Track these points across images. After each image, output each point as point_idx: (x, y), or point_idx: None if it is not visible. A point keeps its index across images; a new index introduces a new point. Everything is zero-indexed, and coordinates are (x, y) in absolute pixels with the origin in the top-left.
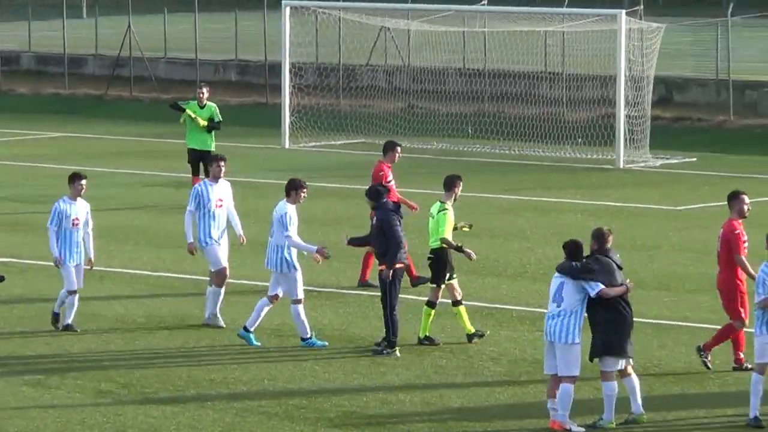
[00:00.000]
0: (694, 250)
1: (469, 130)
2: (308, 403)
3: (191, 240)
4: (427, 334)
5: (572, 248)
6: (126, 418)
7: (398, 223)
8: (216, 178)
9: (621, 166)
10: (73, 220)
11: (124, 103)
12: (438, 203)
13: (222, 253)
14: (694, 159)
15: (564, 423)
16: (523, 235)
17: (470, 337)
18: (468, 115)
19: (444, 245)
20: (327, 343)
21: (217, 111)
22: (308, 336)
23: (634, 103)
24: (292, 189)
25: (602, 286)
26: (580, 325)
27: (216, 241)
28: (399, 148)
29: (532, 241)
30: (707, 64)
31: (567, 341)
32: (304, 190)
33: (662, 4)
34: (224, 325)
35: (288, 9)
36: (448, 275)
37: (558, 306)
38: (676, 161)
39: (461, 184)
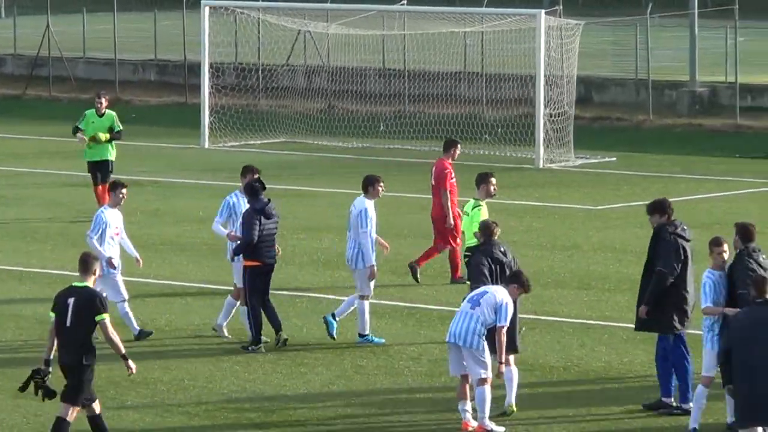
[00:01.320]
0: (614, 250)
1: (381, 126)
2: (229, 404)
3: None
4: None
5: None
6: (45, 419)
7: (257, 223)
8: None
9: (541, 166)
10: (114, 229)
11: (43, 103)
12: (472, 200)
13: None
14: (614, 158)
15: (485, 425)
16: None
17: None
18: (387, 115)
19: None
20: (384, 341)
21: (117, 119)
22: (366, 333)
23: (554, 103)
24: (369, 184)
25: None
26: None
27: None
28: (459, 146)
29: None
30: (627, 64)
31: (471, 345)
32: (381, 183)
33: (581, 3)
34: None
35: (207, 9)
36: None
37: (472, 308)
38: (595, 161)
39: (494, 180)
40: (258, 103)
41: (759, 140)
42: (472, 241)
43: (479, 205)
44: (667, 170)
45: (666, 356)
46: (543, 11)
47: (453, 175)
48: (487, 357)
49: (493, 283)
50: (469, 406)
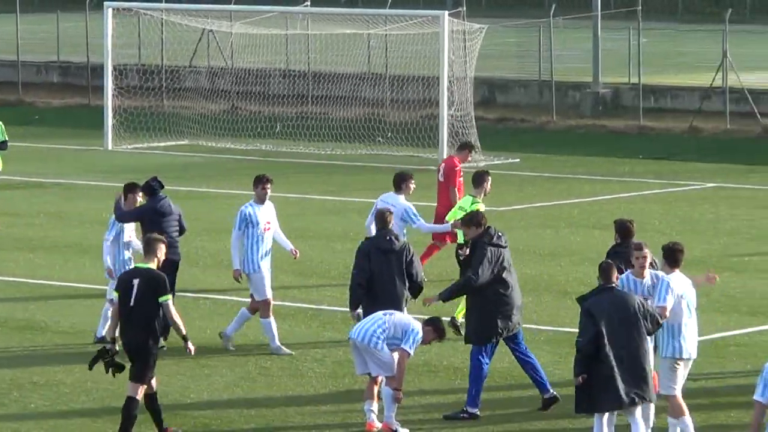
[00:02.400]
0: (517, 251)
1: (278, 127)
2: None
3: (237, 266)
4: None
5: None
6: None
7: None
8: (261, 200)
9: None
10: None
11: None
12: (469, 197)
13: (267, 281)
14: (518, 160)
15: (390, 424)
16: (347, 237)
17: (453, 324)
18: (291, 117)
19: None
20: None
21: (3, 129)
22: None
23: (457, 104)
24: (402, 181)
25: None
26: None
27: (260, 269)
28: (474, 151)
29: (356, 242)
30: (530, 65)
31: (369, 343)
32: (413, 180)
33: (485, 5)
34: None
35: (110, 11)
36: None
37: (384, 314)
38: (499, 162)
39: (490, 179)
40: (161, 104)
41: (662, 141)
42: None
43: (477, 201)
44: (571, 171)
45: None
46: (446, 13)
47: (461, 174)
48: (390, 358)
49: (377, 270)
50: (375, 406)
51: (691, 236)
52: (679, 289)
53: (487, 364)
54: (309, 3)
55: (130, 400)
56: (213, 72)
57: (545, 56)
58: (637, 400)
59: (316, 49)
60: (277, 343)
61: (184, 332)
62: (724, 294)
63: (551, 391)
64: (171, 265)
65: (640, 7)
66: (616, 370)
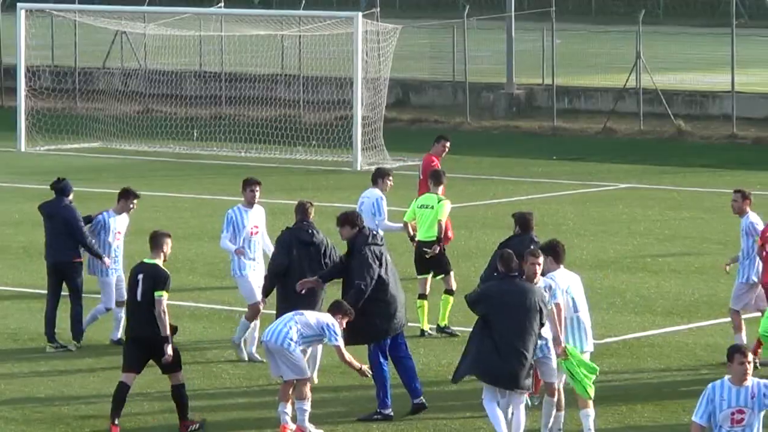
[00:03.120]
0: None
1: (195, 134)
2: (46, 408)
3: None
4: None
5: None
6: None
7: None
8: (250, 203)
9: (359, 168)
10: (116, 233)
11: None
12: (433, 195)
13: (255, 285)
14: None
15: (303, 428)
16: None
17: (440, 329)
18: (205, 118)
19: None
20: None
21: None
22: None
23: (371, 106)
24: (380, 176)
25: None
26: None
27: (245, 273)
28: (448, 143)
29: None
30: (444, 67)
31: (282, 344)
32: (391, 176)
33: (398, 6)
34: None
35: (23, 12)
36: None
37: (294, 314)
38: (413, 163)
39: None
40: (75, 106)
41: (575, 142)
42: (434, 235)
43: (443, 199)
44: (485, 172)
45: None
46: (360, 14)
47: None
48: (301, 360)
49: (299, 263)
50: (288, 408)
51: (605, 237)
52: (564, 285)
53: (386, 363)
54: (222, 4)
55: (175, 388)
56: (126, 73)
57: (459, 57)
58: (511, 386)
59: (230, 51)
60: (240, 343)
61: (167, 333)
62: (638, 294)
63: (421, 398)
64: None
65: (553, 8)
66: (496, 352)
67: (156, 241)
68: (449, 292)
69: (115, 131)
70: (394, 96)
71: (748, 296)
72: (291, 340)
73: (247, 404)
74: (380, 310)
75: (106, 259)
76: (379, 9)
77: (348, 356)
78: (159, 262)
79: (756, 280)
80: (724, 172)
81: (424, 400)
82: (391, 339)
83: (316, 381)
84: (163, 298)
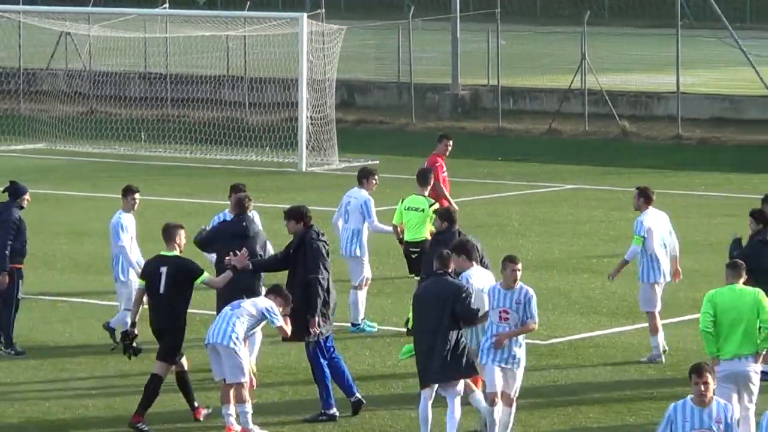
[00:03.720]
0: (377, 253)
1: (143, 136)
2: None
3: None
4: None
5: None
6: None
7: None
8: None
9: (304, 170)
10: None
11: None
12: (421, 198)
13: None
14: (377, 162)
15: (248, 429)
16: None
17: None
18: (150, 119)
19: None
20: (376, 328)
21: None
22: (359, 323)
23: (317, 106)
24: (364, 176)
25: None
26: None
27: None
28: (450, 141)
29: None
30: (389, 68)
31: (227, 343)
32: (376, 176)
33: (344, 7)
34: None
35: None
36: None
37: (231, 310)
38: (358, 164)
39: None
40: (18, 107)
41: (520, 143)
42: (422, 237)
43: (433, 203)
44: None
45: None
46: (305, 15)
47: (444, 169)
48: (243, 361)
49: (224, 253)
50: (232, 410)
51: (550, 237)
52: (479, 284)
53: (326, 363)
54: (167, 5)
55: (155, 377)
56: (71, 75)
57: (404, 58)
58: (428, 380)
59: (175, 52)
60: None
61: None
62: (584, 295)
63: (357, 394)
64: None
65: (498, 9)
66: (430, 349)
67: (169, 233)
68: None
69: (60, 132)
70: (339, 97)
71: (657, 296)
72: (237, 338)
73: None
74: (324, 308)
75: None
76: (324, 10)
77: (288, 329)
78: (177, 252)
79: (660, 280)
80: (669, 173)
81: (360, 396)
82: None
83: (254, 368)
84: (207, 278)
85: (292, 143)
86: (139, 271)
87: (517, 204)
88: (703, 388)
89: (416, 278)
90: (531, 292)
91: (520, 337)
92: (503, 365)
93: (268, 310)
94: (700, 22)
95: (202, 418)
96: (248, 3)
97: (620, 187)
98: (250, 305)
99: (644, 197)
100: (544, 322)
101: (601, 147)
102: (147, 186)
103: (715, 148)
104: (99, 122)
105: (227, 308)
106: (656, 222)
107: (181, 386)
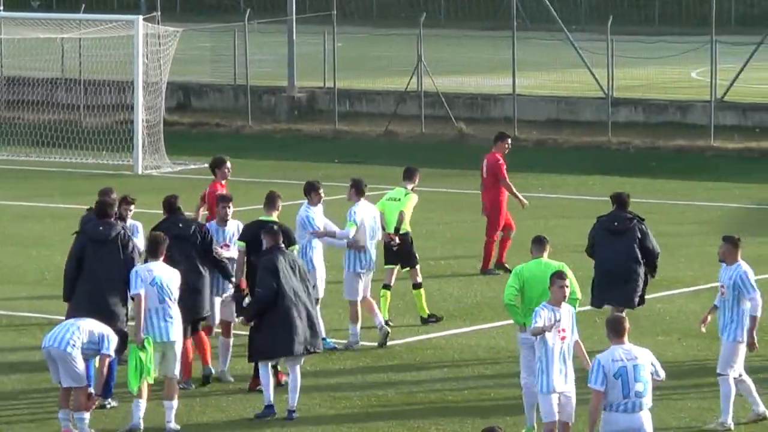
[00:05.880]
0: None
1: None
2: None
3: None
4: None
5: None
6: None
7: None
8: (224, 221)
9: (140, 172)
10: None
11: None
12: (402, 189)
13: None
14: None
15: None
16: (42, 242)
17: (425, 320)
18: None
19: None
20: (336, 346)
21: None
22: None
23: (152, 109)
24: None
25: None
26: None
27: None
28: (509, 139)
29: (52, 248)
30: (225, 70)
31: (64, 348)
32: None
33: (179, 10)
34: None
35: None
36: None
37: (75, 320)
38: (195, 166)
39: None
40: None
41: (357, 145)
42: (404, 229)
43: (409, 192)
44: (267, 176)
45: None
46: (141, 17)
47: (506, 166)
48: (81, 369)
49: (178, 256)
50: (67, 414)
51: None
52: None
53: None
54: (2, 7)
55: None
56: None
57: (240, 60)
58: (310, 349)
59: (9, 54)
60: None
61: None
62: None
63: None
64: None
65: (335, 11)
66: (292, 321)
67: (271, 200)
68: (417, 285)
69: None
70: (175, 99)
71: (358, 284)
72: (74, 346)
73: (28, 411)
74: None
75: None
76: (159, 12)
77: (104, 374)
78: (275, 218)
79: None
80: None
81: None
82: None
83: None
84: (296, 249)
85: (128, 146)
86: None
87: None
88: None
89: (403, 270)
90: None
91: (569, 357)
92: (560, 390)
93: (106, 336)
94: (535, 24)
95: (282, 383)
96: (83, 5)
97: (457, 189)
98: (93, 324)
99: (356, 188)
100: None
101: (437, 149)
102: None
103: (552, 149)
104: None
105: (71, 319)
106: (366, 213)
107: None
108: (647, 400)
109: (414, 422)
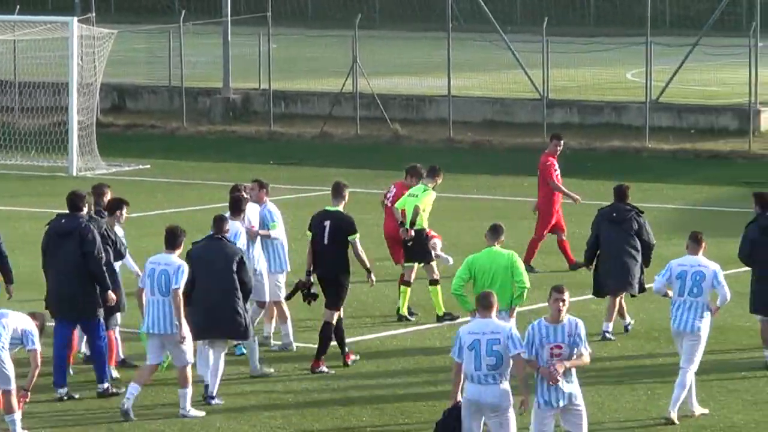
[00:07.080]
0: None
1: None
2: None
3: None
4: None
5: None
6: None
7: None
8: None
9: (75, 174)
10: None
11: None
12: (421, 185)
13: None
14: (148, 166)
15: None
16: None
17: (440, 318)
18: None
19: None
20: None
21: None
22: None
23: (87, 111)
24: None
25: None
26: None
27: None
28: (561, 141)
29: None
30: (160, 71)
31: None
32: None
33: (114, 11)
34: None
35: None
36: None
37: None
38: (129, 168)
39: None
40: None
41: (292, 146)
42: (420, 225)
43: (428, 189)
44: (202, 177)
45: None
46: (75, 19)
47: (557, 167)
48: (10, 370)
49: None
50: (18, 416)
51: None
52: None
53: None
54: None
55: (326, 325)
56: None
57: (175, 62)
58: (215, 334)
59: None
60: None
61: (368, 266)
62: (357, 300)
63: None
64: None
65: (269, 13)
66: (204, 307)
67: (338, 190)
68: (433, 282)
69: None
70: (110, 101)
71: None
72: (2, 348)
73: None
74: None
75: None
76: (94, 14)
77: (36, 369)
78: (341, 208)
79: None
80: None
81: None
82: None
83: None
84: (357, 239)
85: (63, 147)
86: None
87: (289, 207)
88: (561, 305)
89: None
90: (580, 322)
91: (574, 373)
92: (558, 407)
93: (29, 331)
94: (470, 25)
95: (350, 363)
96: (17, 7)
97: None
98: (17, 318)
99: (265, 189)
100: (316, 326)
101: (373, 150)
102: None
103: (487, 151)
104: None
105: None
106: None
107: (336, 333)
108: (500, 374)
109: (350, 424)
